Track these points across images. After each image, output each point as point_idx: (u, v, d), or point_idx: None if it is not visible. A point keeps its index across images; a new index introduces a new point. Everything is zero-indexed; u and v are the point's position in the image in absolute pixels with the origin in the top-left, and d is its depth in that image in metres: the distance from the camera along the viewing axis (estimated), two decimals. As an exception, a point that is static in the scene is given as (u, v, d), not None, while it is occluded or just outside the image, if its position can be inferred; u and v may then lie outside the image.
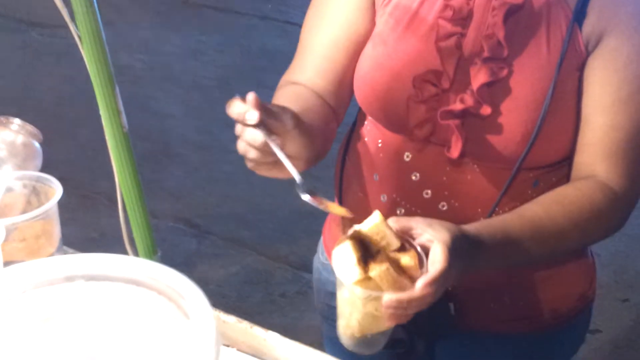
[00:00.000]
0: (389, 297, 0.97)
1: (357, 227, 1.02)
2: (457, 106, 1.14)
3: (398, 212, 1.24)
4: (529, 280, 1.28)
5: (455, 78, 1.15)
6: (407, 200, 1.24)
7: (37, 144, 1.39)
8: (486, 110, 1.13)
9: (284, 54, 3.41)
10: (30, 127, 1.39)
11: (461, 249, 1.02)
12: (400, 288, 0.98)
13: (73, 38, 1.09)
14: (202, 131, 3.92)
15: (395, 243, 1.01)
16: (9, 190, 1.29)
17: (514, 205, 1.18)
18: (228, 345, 1.23)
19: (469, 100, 1.14)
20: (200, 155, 3.77)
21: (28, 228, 1.21)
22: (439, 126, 1.16)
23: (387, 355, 1.20)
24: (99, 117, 1.18)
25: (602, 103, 1.13)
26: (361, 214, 1.14)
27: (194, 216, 3.35)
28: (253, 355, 1.21)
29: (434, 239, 1.01)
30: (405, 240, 1.03)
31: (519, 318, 1.30)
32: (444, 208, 1.22)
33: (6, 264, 1.10)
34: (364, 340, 1.07)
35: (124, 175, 1.11)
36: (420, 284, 0.97)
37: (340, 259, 1.00)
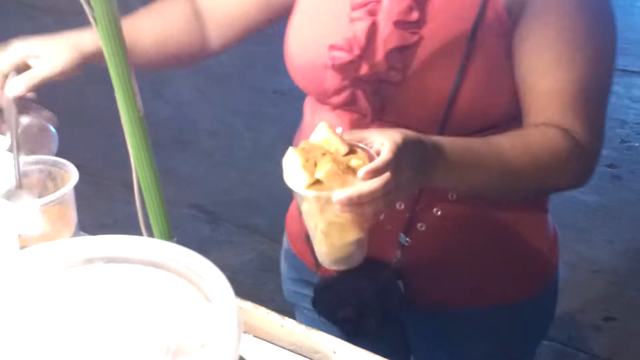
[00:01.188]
0: (337, 193, 0.95)
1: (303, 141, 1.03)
2: (367, 72, 1.15)
3: None
4: (482, 254, 1.26)
5: (367, 45, 1.15)
6: None
7: (52, 129, 1.38)
8: (396, 75, 1.13)
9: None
10: (46, 112, 1.38)
11: (414, 146, 1.01)
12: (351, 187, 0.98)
13: (87, 24, 1.08)
14: (216, 118, 3.91)
15: (344, 148, 1.01)
16: (25, 174, 1.28)
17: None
18: (245, 332, 1.22)
19: (380, 66, 1.14)
20: (214, 142, 3.76)
21: (44, 213, 1.21)
22: (357, 94, 1.17)
23: (338, 334, 1.19)
24: (113, 103, 1.17)
25: (541, 67, 1.11)
26: None
27: (208, 203, 3.35)
28: (269, 341, 1.20)
29: (384, 139, 0.99)
30: (358, 147, 1.03)
31: (476, 293, 1.29)
32: None
33: (22, 249, 1.09)
34: (338, 253, 1.07)
35: (140, 159, 1.09)
36: (362, 172, 0.96)
37: (289, 168, 1.00)
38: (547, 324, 1.41)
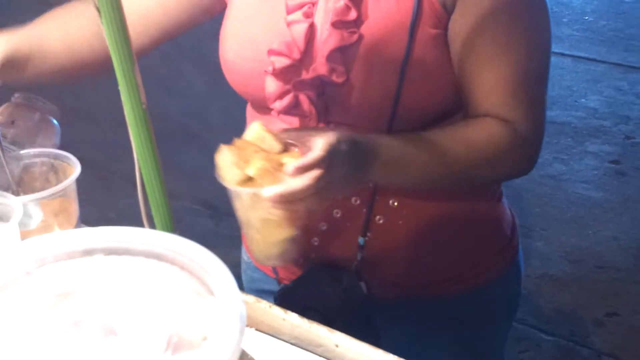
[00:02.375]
0: (268, 190, 0.95)
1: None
2: (309, 75, 1.14)
3: None
4: (442, 242, 1.26)
5: (307, 48, 1.14)
6: None
7: (55, 122, 1.38)
8: (339, 77, 1.13)
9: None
10: (48, 104, 1.38)
11: (348, 144, 1.01)
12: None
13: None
14: (222, 112, 3.90)
15: (277, 146, 1.01)
16: (27, 167, 1.27)
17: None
18: (247, 325, 1.22)
19: (321, 69, 1.13)
20: (219, 136, 3.74)
21: (46, 206, 1.20)
22: (300, 98, 1.16)
23: None
24: (117, 96, 1.16)
25: (480, 58, 1.12)
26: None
27: (212, 197, 3.34)
28: (272, 335, 1.20)
29: (318, 137, 0.99)
30: (294, 145, 1.03)
31: (441, 282, 1.29)
32: None
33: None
34: (271, 250, 1.07)
35: (143, 151, 1.09)
36: (291, 167, 0.96)
37: (222, 166, 1.02)
38: (514, 305, 1.42)
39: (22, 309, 0.57)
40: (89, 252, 0.59)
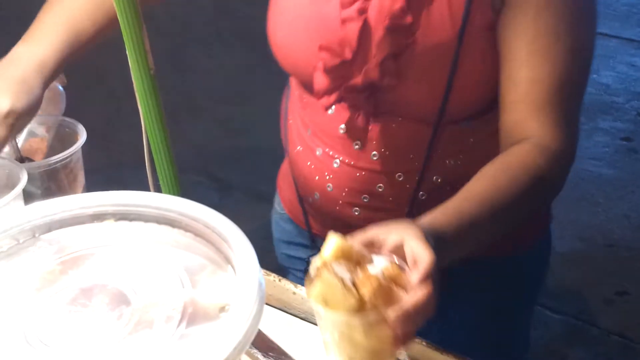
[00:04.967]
0: (394, 311, 0.85)
1: (317, 258, 0.90)
2: (360, 79, 1.12)
3: (334, 164, 1.22)
4: None
5: (359, 47, 1.12)
6: (340, 153, 1.22)
7: (60, 87, 1.35)
8: (391, 81, 1.11)
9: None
10: (53, 70, 1.35)
11: (433, 240, 0.93)
12: (397, 302, 0.86)
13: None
14: (226, 85, 3.87)
15: (368, 257, 0.91)
16: (32, 134, 1.25)
17: (448, 147, 1.17)
18: (256, 298, 1.20)
19: (373, 74, 1.11)
20: (224, 109, 3.72)
21: (51, 173, 1.18)
22: (348, 96, 1.15)
23: None
24: (124, 63, 1.13)
25: (520, 57, 1.09)
26: (303, 168, 1.25)
27: (217, 170, 3.32)
28: (281, 308, 1.18)
29: (401, 236, 0.91)
30: (373, 254, 0.92)
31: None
32: (375, 158, 1.20)
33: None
34: None
35: (150, 118, 1.06)
36: (415, 278, 0.86)
37: (321, 297, 0.87)
38: (543, 274, 1.42)
39: (30, 275, 0.54)
40: (98, 217, 0.56)
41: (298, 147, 1.29)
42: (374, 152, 1.19)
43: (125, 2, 1.04)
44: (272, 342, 1.07)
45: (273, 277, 1.18)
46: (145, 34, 1.09)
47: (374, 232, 0.93)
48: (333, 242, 0.90)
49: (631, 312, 2.63)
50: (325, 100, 1.16)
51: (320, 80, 1.15)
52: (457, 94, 1.12)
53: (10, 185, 1.07)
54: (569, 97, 1.12)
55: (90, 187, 1.25)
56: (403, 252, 0.90)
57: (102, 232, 0.56)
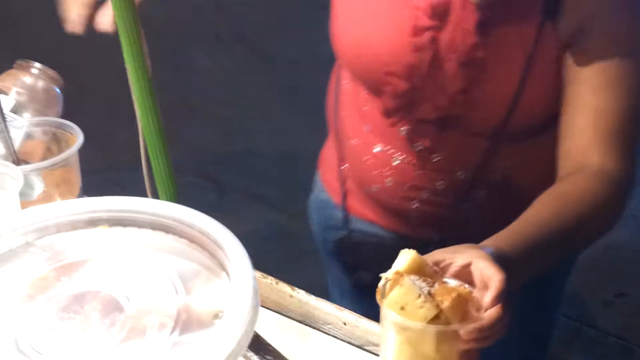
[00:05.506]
0: (470, 327, 0.86)
1: (390, 271, 0.91)
2: (431, 115, 1.17)
3: (394, 162, 1.24)
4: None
5: (428, 74, 1.14)
6: (400, 152, 1.24)
7: (57, 90, 1.34)
8: (459, 109, 1.15)
9: (308, 4, 3.32)
10: (51, 72, 1.35)
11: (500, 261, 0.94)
12: (469, 318, 0.88)
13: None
14: (224, 85, 3.86)
15: (439, 276, 0.91)
16: (29, 136, 1.25)
17: (507, 150, 1.20)
18: (253, 301, 1.19)
19: (443, 106, 1.15)
20: (221, 109, 3.72)
21: (48, 176, 1.17)
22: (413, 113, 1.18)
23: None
24: (121, 65, 1.13)
25: (592, 85, 1.10)
26: (360, 162, 1.27)
27: (215, 171, 3.32)
28: (278, 311, 1.17)
29: (468, 259, 0.92)
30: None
31: None
32: (437, 159, 1.22)
33: (25, 211, 1.06)
34: None
35: (148, 121, 1.06)
36: (489, 297, 0.87)
37: (400, 304, 0.87)
38: (570, 265, 1.46)
39: (22, 281, 0.54)
40: (92, 223, 0.55)
41: (353, 141, 1.31)
42: (436, 155, 1.22)
43: (122, 5, 1.04)
44: (268, 344, 1.07)
45: (270, 279, 1.18)
46: (143, 38, 1.09)
47: (440, 253, 0.94)
48: (408, 255, 0.90)
49: (630, 314, 2.63)
50: (393, 117, 1.19)
51: (388, 102, 1.18)
52: (522, 108, 1.13)
53: (5, 188, 1.06)
54: (632, 129, 1.13)
55: (86, 189, 1.25)
56: (469, 275, 0.91)
57: (96, 238, 0.56)
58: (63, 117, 1.31)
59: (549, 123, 1.17)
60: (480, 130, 1.18)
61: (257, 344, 1.07)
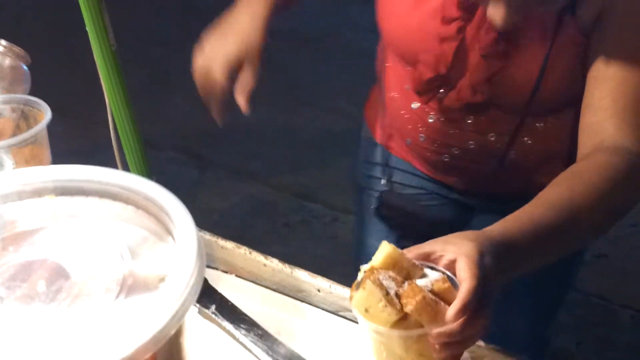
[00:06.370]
0: (435, 332, 0.84)
1: (366, 265, 0.90)
2: (455, 103, 1.22)
3: (429, 119, 1.29)
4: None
5: (453, 63, 1.18)
6: (436, 111, 1.27)
7: (25, 67, 1.33)
8: (482, 98, 1.19)
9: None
10: (17, 49, 1.34)
11: (491, 255, 0.91)
12: (442, 318, 0.85)
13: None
14: (203, 60, 3.84)
15: (418, 270, 0.89)
16: (-4, 114, 1.24)
17: (536, 121, 1.23)
18: (226, 272, 1.20)
19: (465, 94, 1.20)
20: (201, 84, 3.70)
21: (17, 153, 1.17)
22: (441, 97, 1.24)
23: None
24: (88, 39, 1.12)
25: (611, 60, 1.10)
26: (397, 115, 1.33)
27: (196, 146, 3.31)
28: (252, 281, 1.18)
29: (455, 254, 0.90)
30: (427, 267, 0.91)
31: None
32: (470, 121, 1.26)
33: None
34: None
35: (114, 94, 1.06)
36: (451, 313, 0.84)
37: (363, 306, 0.86)
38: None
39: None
40: (38, 192, 0.55)
41: (394, 94, 1.34)
42: (469, 118, 1.25)
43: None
44: (243, 313, 1.08)
45: (244, 249, 1.18)
46: (104, 10, 1.08)
47: (431, 246, 0.92)
48: (384, 250, 0.89)
49: (610, 274, 2.66)
50: (422, 97, 1.25)
51: (417, 84, 1.23)
52: (545, 90, 1.15)
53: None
54: None
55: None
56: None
57: (43, 208, 0.56)
58: (31, 94, 1.30)
59: (576, 99, 1.17)
60: (505, 110, 1.22)
61: (232, 313, 1.08)
